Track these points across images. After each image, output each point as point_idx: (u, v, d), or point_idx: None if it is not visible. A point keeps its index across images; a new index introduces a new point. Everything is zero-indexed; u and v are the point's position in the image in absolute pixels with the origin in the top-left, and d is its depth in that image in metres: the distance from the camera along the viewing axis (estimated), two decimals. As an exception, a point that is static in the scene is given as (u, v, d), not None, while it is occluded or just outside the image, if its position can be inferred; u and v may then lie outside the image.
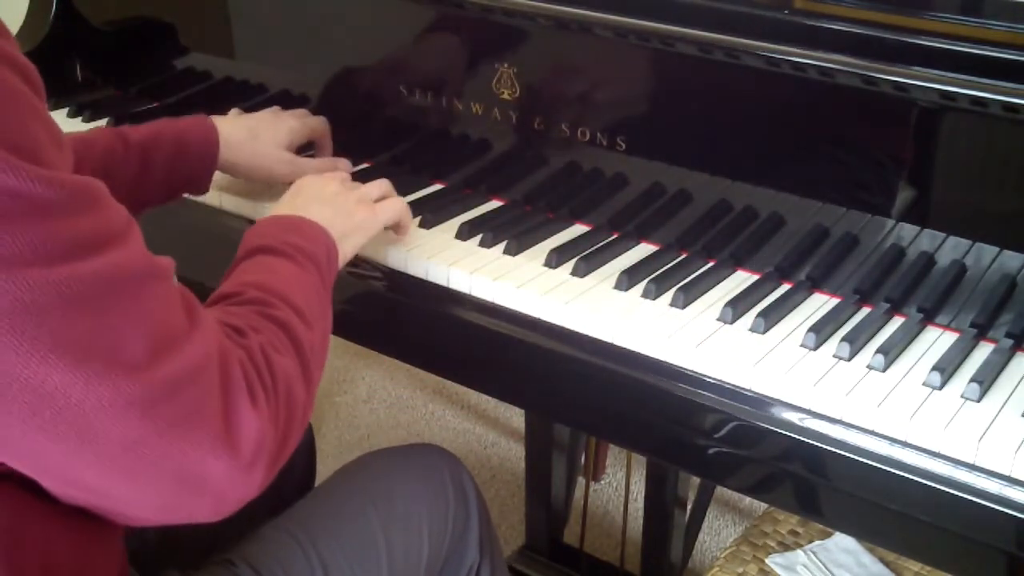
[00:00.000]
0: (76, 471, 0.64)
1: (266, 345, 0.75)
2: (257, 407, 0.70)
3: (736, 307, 0.98)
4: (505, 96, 1.15)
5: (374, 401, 2.32)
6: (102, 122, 1.41)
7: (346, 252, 0.99)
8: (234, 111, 1.25)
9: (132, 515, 0.70)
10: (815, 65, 0.95)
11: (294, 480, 1.23)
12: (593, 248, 1.09)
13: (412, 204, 1.16)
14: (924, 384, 0.89)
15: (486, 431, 2.22)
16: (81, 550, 0.75)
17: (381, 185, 1.08)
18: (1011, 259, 0.94)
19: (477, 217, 1.16)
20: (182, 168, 1.11)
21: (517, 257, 1.08)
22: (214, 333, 0.70)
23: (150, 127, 1.12)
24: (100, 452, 0.62)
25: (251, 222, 1.17)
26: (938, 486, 0.82)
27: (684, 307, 1.00)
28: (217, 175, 1.16)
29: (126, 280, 0.63)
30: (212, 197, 1.21)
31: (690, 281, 1.03)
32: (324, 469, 1.11)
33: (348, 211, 1.01)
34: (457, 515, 1.07)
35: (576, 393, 1.02)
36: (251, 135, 1.16)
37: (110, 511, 0.70)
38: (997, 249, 0.94)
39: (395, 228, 1.09)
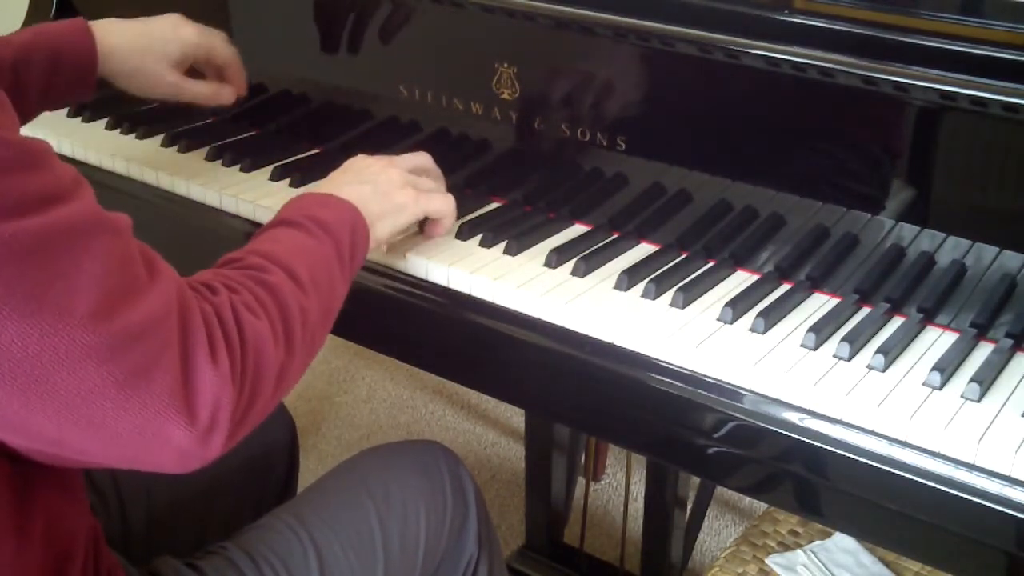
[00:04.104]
0: (39, 424, 0.64)
1: (239, 304, 0.76)
2: (217, 362, 0.70)
3: (736, 307, 0.98)
4: (505, 96, 1.15)
5: (374, 401, 2.32)
6: (102, 122, 1.41)
7: (379, 233, 0.99)
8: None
9: (98, 463, 0.71)
10: (815, 65, 0.95)
11: (275, 481, 1.23)
12: (593, 248, 1.09)
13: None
14: (924, 384, 0.89)
15: (486, 431, 2.22)
16: (52, 507, 0.77)
17: (430, 176, 1.09)
18: (1011, 259, 0.94)
19: (477, 217, 1.16)
20: (58, 83, 1.09)
21: (517, 257, 1.08)
22: (175, 285, 0.71)
23: (23, 39, 1.07)
24: (61, 404, 0.63)
25: (253, 224, 1.17)
26: (938, 486, 0.82)
27: (684, 307, 1.00)
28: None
29: (77, 233, 0.63)
30: (212, 197, 1.22)
31: (690, 281, 1.03)
32: (324, 469, 1.11)
33: (387, 192, 1.01)
34: (455, 509, 1.07)
35: (576, 393, 1.02)
36: (138, 48, 1.10)
37: (77, 462, 0.71)
38: (997, 249, 0.94)
39: (432, 227, 1.08)
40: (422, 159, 1.11)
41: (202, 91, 1.18)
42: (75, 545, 0.80)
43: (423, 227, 1.09)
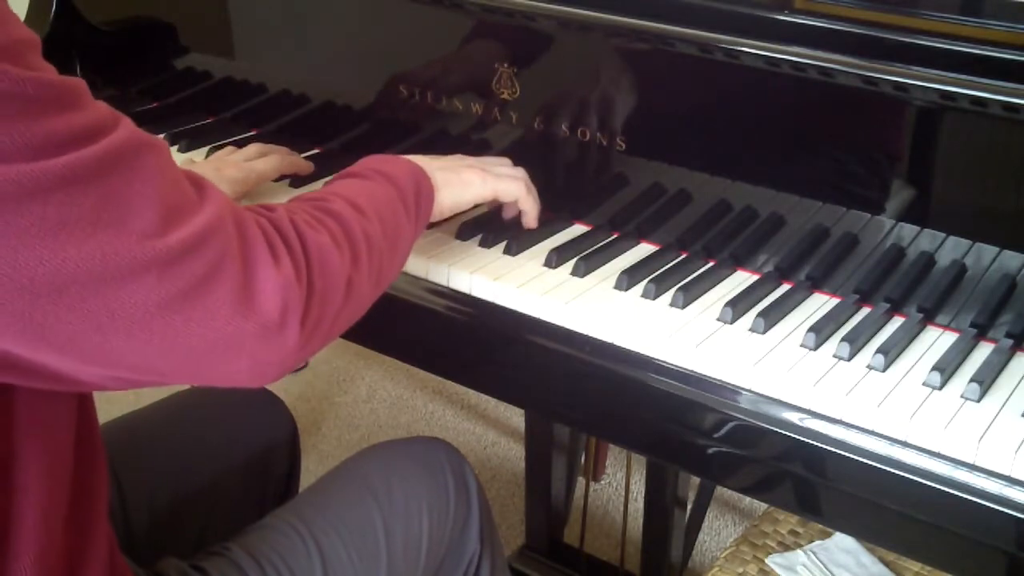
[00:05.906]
0: (115, 349, 0.65)
1: (298, 220, 0.77)
2: (279, 265, 0.72)
3: (736, 307, 0.98)
4: (505, 96, 1.15)
5: (374, 401, 2.32)
6: (102, 122, 1.41)
7: (443, 200, 1.01)
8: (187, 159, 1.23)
9: (177, 382, 0.72)
10: (815, 65, 0.95)
11: (276, 481, 1.23)
12: (593, 248, 1.09)
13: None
14: (924, 384, 0.89)
15: (486, 431, 2.22)
16: (69, 535, 0.76)
17: (509, 168, 1.09)
18: (1011, 259, 0.94)
19: (477, 217, 1.16)
20: None
21: (517, 257, 1.08)
22: (225, 201, 0.72)
23: None
24: (132, 322, 0.64)
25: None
26: (938, 486, 0.82)
27: (684, 307, 1.00)
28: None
29: (126, 157, 0.65)
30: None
31: (690, 281, 1.03)
32: (324, 469, 1.11)
33: (455, 167, 1.03)
34: (458, 507, 1.07)
35: (576, 393, 1.02)
36: None
37: (155, 384, 0.72)
38: (997, 249, 0.94)
39: (507, 208, 1.10)
40: (499, 159, 1.12)
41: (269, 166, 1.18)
42: (89, 546, 0.79)
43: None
